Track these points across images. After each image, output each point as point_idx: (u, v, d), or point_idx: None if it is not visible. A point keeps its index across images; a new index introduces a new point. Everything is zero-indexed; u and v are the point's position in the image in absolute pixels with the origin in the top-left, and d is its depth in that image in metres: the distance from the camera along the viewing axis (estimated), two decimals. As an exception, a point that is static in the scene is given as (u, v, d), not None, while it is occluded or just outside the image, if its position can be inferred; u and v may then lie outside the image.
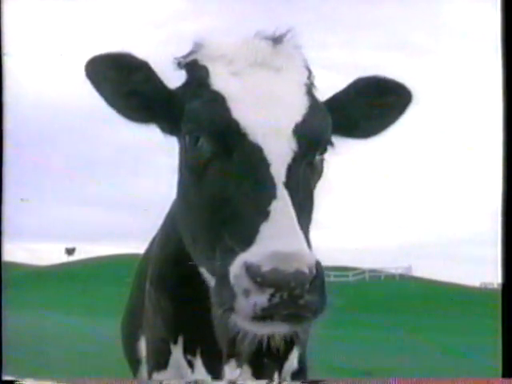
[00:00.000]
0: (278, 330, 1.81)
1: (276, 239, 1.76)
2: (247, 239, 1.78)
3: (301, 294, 1.70)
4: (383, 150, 2.63)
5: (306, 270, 1.70)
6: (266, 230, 1.79)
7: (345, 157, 2.31)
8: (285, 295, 1.69)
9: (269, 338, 1.91)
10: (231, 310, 1.76)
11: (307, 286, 1.70)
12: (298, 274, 1.69)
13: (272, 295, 1.69)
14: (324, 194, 2.20)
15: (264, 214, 1.82)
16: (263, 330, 1.80)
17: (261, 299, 1.70)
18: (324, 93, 2.24)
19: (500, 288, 2.78)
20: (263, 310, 1.70)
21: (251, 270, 1.70)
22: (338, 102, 2.28)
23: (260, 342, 1.90)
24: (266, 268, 1.69)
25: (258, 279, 1.69)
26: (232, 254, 1.79)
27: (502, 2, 2.73)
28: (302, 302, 1.71)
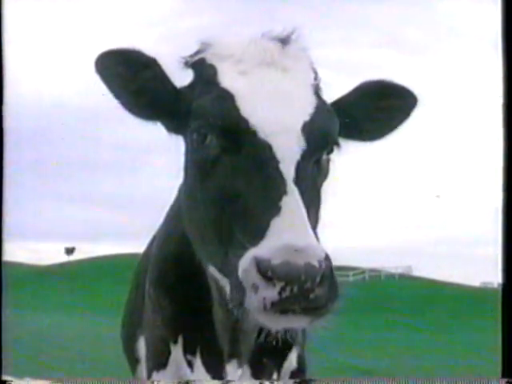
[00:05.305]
0: (296, 324, 1.80)
1: (286, 233, 1.76)
2: (258, 234, 1.78)
3: (311, 287, 1.69)
4: (384, 151, 2.63)
5: (316, 264, 1.69)
6: (276, 224, 1.79)
7: (347, 158, 2.31)
8: (295, 289, 1.68)
9: (286, 332, 1.87)
10: (240, 305, 1.75)
11: (318, 279, 1.69)
12: (309, 267, 1.68)
13: (282, 289, 1.68)
14: (325, 194, 2.20)
15: (275, 210, 1.82)
16: (280, 324, 1.79)
17: (271, 293, 1.68)
18: (322, 91, 2.24)
19: (500, 288, 2.78)
20: (273, 304, 1.69)
21: (261, 264, 1.69)
22: (344, 105, 2.29)
23: (276, 337, 1.88)
24: (276, 261, 1.68)
25: (269, 273, 1.68)
26: (242, 249, 1.78)
27: (502, 1, 2.72)
28: (312, 295, 1.70)
